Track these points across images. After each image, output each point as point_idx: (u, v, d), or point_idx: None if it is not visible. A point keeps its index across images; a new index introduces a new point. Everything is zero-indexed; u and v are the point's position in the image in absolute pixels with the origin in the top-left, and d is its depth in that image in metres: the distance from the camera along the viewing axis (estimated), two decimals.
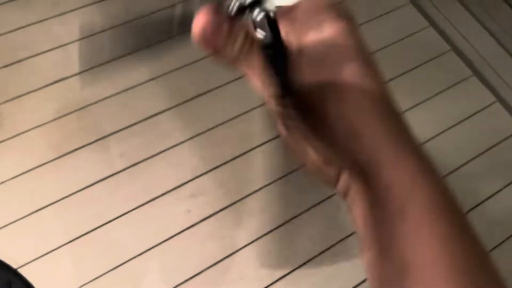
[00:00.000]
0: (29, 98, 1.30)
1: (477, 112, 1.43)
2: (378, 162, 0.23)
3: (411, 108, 1.41)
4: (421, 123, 1.39)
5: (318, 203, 1.22)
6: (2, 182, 1.17)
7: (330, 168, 0.25)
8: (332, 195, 1.23)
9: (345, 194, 0.25)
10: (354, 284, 1.13)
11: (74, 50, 1.39)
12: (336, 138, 0.24)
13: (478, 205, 1.28)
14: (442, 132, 1.38)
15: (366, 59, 0.25)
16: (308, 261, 1.15)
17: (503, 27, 1.65)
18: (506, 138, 1.39)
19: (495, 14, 1.69)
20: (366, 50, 0.25)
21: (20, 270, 1.08)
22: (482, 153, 1.36)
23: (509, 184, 1.32)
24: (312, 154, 0.26)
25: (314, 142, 0.25)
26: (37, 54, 1.36)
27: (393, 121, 0.25)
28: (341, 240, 1.18)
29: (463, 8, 1.68)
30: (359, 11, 1.53)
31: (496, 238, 1.23)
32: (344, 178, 0.25)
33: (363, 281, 1.13)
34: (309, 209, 1.21)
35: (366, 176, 0.23)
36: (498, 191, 1.30)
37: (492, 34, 1.62)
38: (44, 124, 1.25)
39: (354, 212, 0.25)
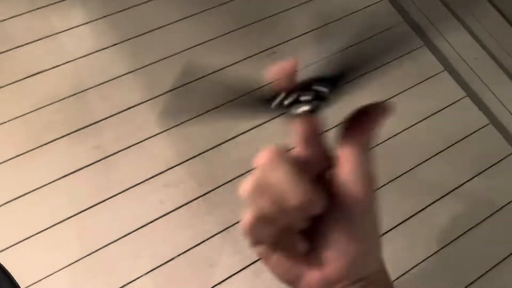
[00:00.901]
0: (7, 90, 1.33)
1: (447, 106, 1.47)
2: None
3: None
4: (392, 117, 1.43)
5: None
6: None
7: None
8: None
9: None
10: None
11: (52, 44, 1.42)
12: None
13: (444, 196, 1.32)
14: (412, 125, 1.42)
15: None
16: None
17: (482, 24, 1.68)
18: (475, 131, 1.44)
19: (474, 10, 1.72)
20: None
21: None
22: (450, 146, 1.40)
23: (474, 177, 1.36)
24: None
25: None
26: (16, 47, 1.39)
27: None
28: None
29: (440, 3, 1.71)
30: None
31: (459, 230, 1.28)
32: None
33: None
34: None
35: None
36: (463, 183, 1.35)
37: (468, 29, 1.66)
38: (22, 115, 1.29)
39: None
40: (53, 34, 1.43)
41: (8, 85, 1.33)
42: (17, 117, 1.28)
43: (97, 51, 1.42)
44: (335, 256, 0.26)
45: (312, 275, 0.27)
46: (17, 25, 1.43)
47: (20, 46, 1.40)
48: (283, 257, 0.27)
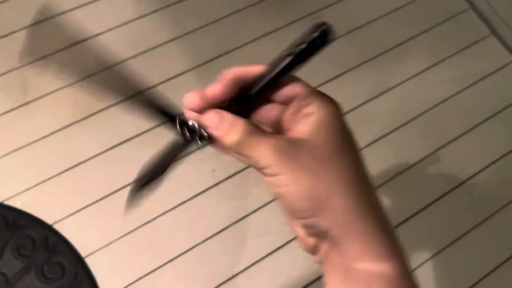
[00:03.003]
0: (51, 60, 1.30)
1: (495, 71, 1.44)
2: (348, 239, 0.28)
3: (428, 68, 1.42)
4: (438, 83, 1.40)
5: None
6: (31, 143, 1.20)
7: (311, 240, 0.30)
8: None
9: (321, 263, 0.30)
10: None
11: (92, 12, 1.39)
12: (309, 210, 0.28)
13: (492, 164, 1.31)
14: (460, 91, 1.39)
15: (347, 140, 0.29)
16: None
17: None
18: None
19: None
20: (347, 132, 0.29)
21: (55, 226, 1.13)
22: (498, 112, 1.38)
23: None
24: (297, 228, 0.31)
25: (295, 214, 0.29)
26: (57, 15, 1.36)
27: (363, 198, 0.28)
28: None
29: None
30: None
31: (509, 195, 1.28)
32: (322, 251, 0.30)
33: None
34: None
35: (338, 250, 0.28)
36: (510, 151, 1.33)
37: None
38: (69, 86, 1.27)
39: (327, 280, 0.29)
40: (92, 2, 1.39)
41: (51, 54, 1.30)
42: (63, 87, 1.27)
43: (137, 18, 1.39)
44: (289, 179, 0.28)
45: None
46: None
47: (59, 14, 1.36)
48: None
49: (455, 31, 1.49)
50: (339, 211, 0.27)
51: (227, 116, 0.30)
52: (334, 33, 0.29)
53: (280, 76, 0.30)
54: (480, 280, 1.17)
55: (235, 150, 0.30)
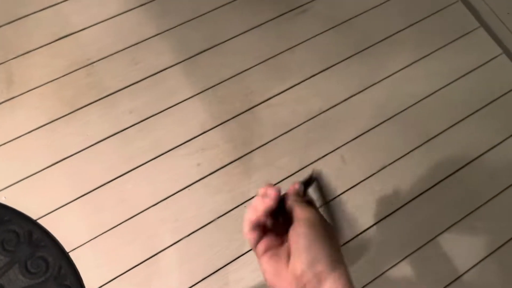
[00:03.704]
0: (37, 54, 1.30)
1: (483, 64, 1.43)
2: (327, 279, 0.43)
3: (416, 61, 1.41)
4: (426, 76, 1.40)
5: (323, 156, 1.26)
6: (16, 138, 1.20)
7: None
8: (337, 149, 1.27)
9: None
10: (357, 233, 1.19)
11: (78, 5, 1.38)
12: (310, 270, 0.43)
13: (478, 157, 1.31)
14: (449, 84, 1.39)
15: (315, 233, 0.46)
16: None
17: None
18: (511, 90, 1.40)
19: None
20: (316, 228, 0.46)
21: (39, 221, 1.14)
22: (487, 105, 1.37)
23: (510, 137, 1.34)
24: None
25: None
26: (41, 9, 1.35)
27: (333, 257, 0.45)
28: (345, 191, 1.23)
29: None
30: None
31: (495, 189, 1.28)
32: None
33: (368, 228, 1.19)
34: (315, 161, 1.25)
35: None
36: (499, 143, 1.33)
37: None
38: (54, 80, 1.27)
39: None
40: None
41: (37, 48, 1.30)
42: (49, 82, 1.26)
43: (124, 12, 1.38)
44: (295, 259, 0.44)
45: (287, 274, 0.45)
46: None
47: (46, 8, 1.36)
48: (271, 254, 0.48)
49: (443, 23, 1.48)
50: (326, 261, 0.43)
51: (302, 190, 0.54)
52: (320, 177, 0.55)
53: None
54: (464, 273, 1.17)
55: (294, 200, 0.51)
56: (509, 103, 1.38)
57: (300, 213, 0.48)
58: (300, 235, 0.45)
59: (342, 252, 0.46)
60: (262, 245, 0.49)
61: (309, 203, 0.51)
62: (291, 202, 0.50)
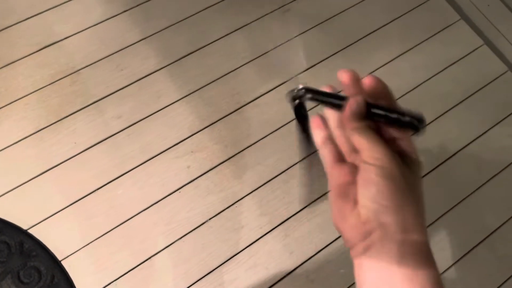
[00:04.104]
0: (21, 64, 1.30)
1: (466, 55, 1.45)
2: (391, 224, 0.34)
3: (400, 55, 1.43)
4: (410, 69, 1.41)
5: (314, 152, 1.27)
6: (4, 149, 1.19)
7: (366, 227, 0.35)
8: None
9: (354, 258, 0.36)
10: None
11: (61, 14, 1.38)
12: (386, 200, 0.34)
13: (464, 147, 1.33)
14: (433, 76, 1.40)
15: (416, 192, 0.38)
16: (304, 208, 1.21)
17: None
18: (494, 79, 1.43)
19: None
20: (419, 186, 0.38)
21: (30, 231, 1.13)
22: (471, 95, 1.39)
23: (496, 125, 1.36)
24: (352, 216, 0.36)
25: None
26: (24, 20, 1.35)
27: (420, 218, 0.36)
28: None
29: None
30: None
31: (481, 179, 1.29)
32: (355, 251, 0.35)
33: None
34: (303, 160, 1.26)
35: (381, 232, 0.34)
36: (485, 132, 1.35)
37: None
38: (39, 89, 1.26)
39: (356, 276, 0.36)
40: (61, 4, 1.38)
41: (21, 58, 1.30)
42: (34, 91, 1.26)
43: (108, 18, 1.38)
44: (361, 203, 0.35)
45: (351, 216, 0.36)
46: None
47: (28, 18, 1.36)
48: (340, 192, 0.37)
49: (425, 17, 1.50)
50: (406, 216, 0.34)
51: (364, 108, 0.37)
52: (425, 125, 0.38)
53: (394, 122, 0.37)
54: (453, 264, 1.19)
55: (351, 128, 0.37)
56: (492, 92, 1.40)
57: (369, 153, 0.35)
58: (370, 183, 0.34)
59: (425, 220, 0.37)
60: (339, 173, 0.38)
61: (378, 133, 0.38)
62: (352, 128, 0.37)
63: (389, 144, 0.37)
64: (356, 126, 0.37)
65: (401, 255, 0.34)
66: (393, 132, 0.38)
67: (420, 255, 0.34)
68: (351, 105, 0.37)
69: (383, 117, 0.37)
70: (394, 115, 0.37)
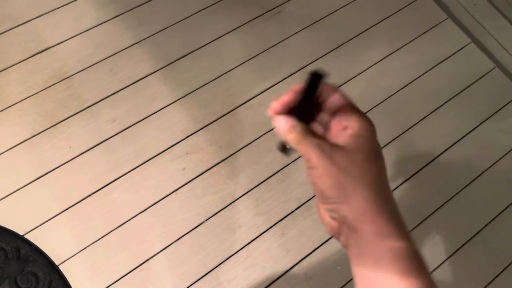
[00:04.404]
0: (14, 70, 1.30)
1: (454, 53, 1.48)
2: (363, 224, 0.34)
3: (390, 54, 1.45)
4: (400, 68, 1.44)
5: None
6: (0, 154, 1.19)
7: (334, 223, 0.37)
8: None
9: (345, 247, 0.37)
10: None
11: (53, 20, 1.38)
12: (336, 198, 0.35)
13: (455, 143, 1.35)
14: (422, 74, 1.43)
15: (374, 152, 0.37)
16: (300, 206, 1.22)
17: None
18: (482, 76, 1.46)
19: None
20: (377, 144, 0.37)
21: (26, 237, 1.13)
22: (460, 92, 1.42)
23: (485, 120, 1.39)
24: (323, 213, 0.38)
25: (323, 201, 0.37)
26: (16, 26, 1.35)
27: (379, 196, 0.35)
28: None
29: None
30: None
31: (472, 174, 1.32)
32: (344, 235, 0.36)
33: None
34: (299, 157, 1.27)
35: (355, 234, 0.35)
36: (474, 128, 1.38)
37: None
38: (33, 95, 1.27)
39: (351, 262, 0.37)
40: (52, 10, 1.39)
41: (14, 65, 1.30)
42: (28, 97, 1.26)
43: (100, 23, 1.39)
44: (319, 175, 0.36)
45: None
46: (14, 3, 1.39)
47: (21, 24, 1.36)
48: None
49: (413, 17, 1.53)
50: (358, 202, 0.35)
51: (291, 119, 0.39)
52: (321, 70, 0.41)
53: (310, 92, 0.40)
54: (447, 259, 1.21)
55: (292, 146, 0.38)
56: (481, 89, 1.43)
57: (306, 159, 0.37)
58: (315, 186, 0.37)
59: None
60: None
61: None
62: (292, 145, 0.39)
63: (333, 115, 0.40)
64: (291, 142, 0.39)
65: (376, 263, 0.34)
66: (324, 108, 0.41)
67: (398, 262, 0.34)
68: (276, 131, 0.40)
69: (303, 106, 0.40)
70: (302, 95, 0.40)
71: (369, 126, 0.37)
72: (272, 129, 1.30)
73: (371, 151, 0.36)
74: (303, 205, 1.22)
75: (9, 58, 1.32)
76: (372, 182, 0.35)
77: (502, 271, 1.21)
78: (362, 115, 0.38)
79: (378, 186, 0.35)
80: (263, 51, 1.41)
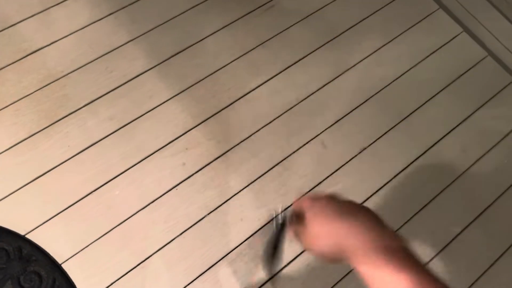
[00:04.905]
0: (8, 71, 1.29)
1: (446, 43, 1.49)
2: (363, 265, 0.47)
3: (383, 45, 1.47)
4: (393, 59, 1.45)
5: (305, 144, 1.29)
6: None
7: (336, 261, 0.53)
8: (317, 135, 1.30)
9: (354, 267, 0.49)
10: None
11: (46, 19, 1.38)
12: (337, 254, 0.52)
13: (450, 132, 1.37)
14: (416, 64, 1.45)
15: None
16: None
17: None
18: (475, 65, 1.47)
19: None
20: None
21: (27, 236, 1.12)
22: (453, 81, 1.44)
23: (479, 108, 1.41)
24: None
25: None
26: (9, 27, 1.34)
27: (370, 237, 0.49)
28: (329, 175, 1.26)
29: None
30: None
31: (468, 161, 1.33)
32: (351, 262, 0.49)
33: None
34: (297, 150, 1.28)
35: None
36: (469, 116, 1.39)
37: None
38: (29, 95, 1.26)
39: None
40: (45, 10, 1.38)
41: (9, 65, 1.29)
42: (24, 97, 1.25)
43: (94, 22, 1.39)
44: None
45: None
46: (7, 3, 1.38)
47: (13, 24, 1.35)
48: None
49: (405, 8, 1.54)
50: (353, 250, 0.48)
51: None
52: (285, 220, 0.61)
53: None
54: (445, 247, 1.22)
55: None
56: (474, 77, 1.45)
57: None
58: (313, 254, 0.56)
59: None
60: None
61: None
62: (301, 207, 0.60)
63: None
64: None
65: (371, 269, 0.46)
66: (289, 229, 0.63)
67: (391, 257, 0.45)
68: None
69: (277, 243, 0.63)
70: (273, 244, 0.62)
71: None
72: (270, 122, 1.30)
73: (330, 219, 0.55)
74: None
75: (2, 58, 1.31)
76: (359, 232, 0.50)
77: (502, 254, 1.23)
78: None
79: (367, 233, 0.49)
80: (258, 45, 1.42)
